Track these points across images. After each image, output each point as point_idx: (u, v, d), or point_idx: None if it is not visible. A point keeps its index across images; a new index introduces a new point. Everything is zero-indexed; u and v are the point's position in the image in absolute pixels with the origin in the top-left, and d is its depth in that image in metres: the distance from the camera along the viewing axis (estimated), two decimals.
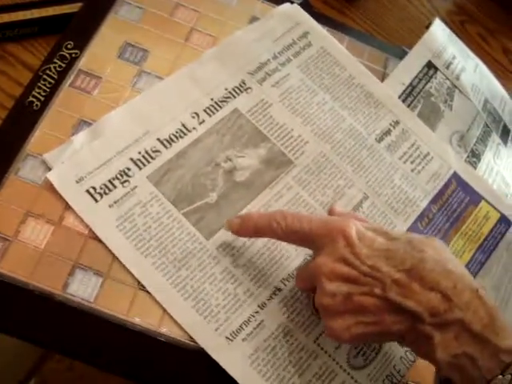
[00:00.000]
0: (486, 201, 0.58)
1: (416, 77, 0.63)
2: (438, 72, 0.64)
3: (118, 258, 0.45)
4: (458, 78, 0.65)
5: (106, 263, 0.45)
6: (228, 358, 0.43)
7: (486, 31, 0.80)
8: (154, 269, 0.45)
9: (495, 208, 0.58)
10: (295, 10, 0.61)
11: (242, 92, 0.54)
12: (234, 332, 0.44)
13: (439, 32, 0.67)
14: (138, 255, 0.45)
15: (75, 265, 0.44)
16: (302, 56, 0.59)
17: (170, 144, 0.50)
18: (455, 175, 0.58)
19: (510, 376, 0.36)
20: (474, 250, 0.55)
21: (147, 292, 0.44)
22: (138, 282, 0.44)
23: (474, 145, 0.61)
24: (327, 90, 0.58)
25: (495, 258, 0.56)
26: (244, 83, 0.55)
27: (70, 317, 0.43)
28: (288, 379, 0.44)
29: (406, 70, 0.63)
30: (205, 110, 0.52)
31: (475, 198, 0.58)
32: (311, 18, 0.61)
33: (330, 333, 0.41)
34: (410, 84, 0.62)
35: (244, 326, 0.45)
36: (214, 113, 0.53)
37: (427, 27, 0.67)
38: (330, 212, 0.51)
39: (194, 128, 0.51)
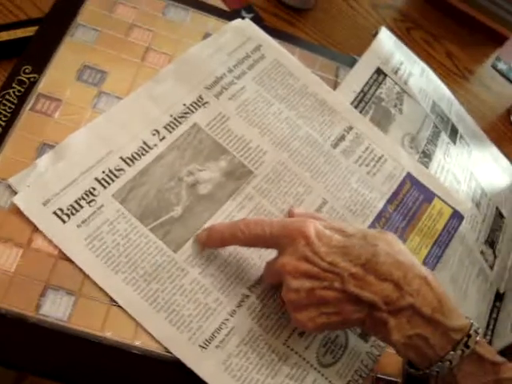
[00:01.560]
0: (439, 198, 0.61)
1: (366, 83, 0.66)
2: (387, 78, 0.67)
3: (89, 276, 0.46)
4: (406, 83, 0.68)
5: (78, 282, 0.46)
6: (203, 365, 0.45)
7: (431, 36, 0.84)
8: (125, 284, 0.46)
9: (448, 204, 0.61)
10: (247, 24, 0.64)
11: (199, 107, 0.56)
12: (206, 340, 0.46)
13: (386, 39, 0.70)
14: (109, 272, 0.46)
15: (47, 286, 0.45)
16: (256, 68, 0.61)
17: (133, 162, 0.51)
18: (409, 175, 0.61)
19: (460, 351, 0.41)
20: (430, 245, 0.58)
21: (120, 307, 0.45)
22: (111, 298, 0.45)
23: (425, 145, 0.65)
24: (282, 100, 0.60)
25: (451, 251, 0.60)
26: (201, 98, 0.57)
27: (45, 337, 0.43)
28: (262, 381, 0.46)
29: (357, 77, 0.66)
30: (165, 127, 0.54)
31: (429, 195, 0.61)
32: (263, 32, 0.64)
33: (296, 324, 0.45)
34: (361, 90, 0.65)
35: (216, 334, 0.46)
36: (173, 129, 0.54)
37: (374, 35, 0.70)
38: (290, 214, 0.53)
39: (155, 145, 0.53)
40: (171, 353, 0.45)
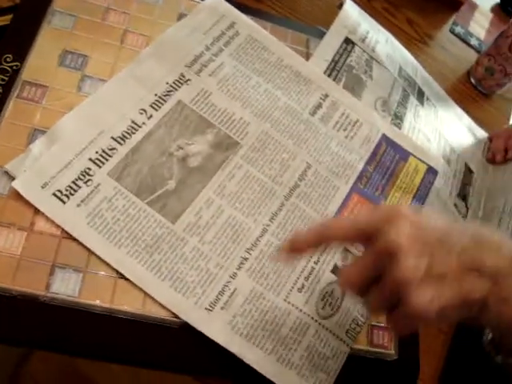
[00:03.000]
0: (414, 156, 0.65)
1: (337, 53, 0.69)
2: (356, 46, 0.70)
3: (93, 253, 0.47)
4: (373, 50, 0.71)
5: (83, 259, 0.47)
6: (211, 327, 0.47)
7: (391, 5, 0.88)
8: (129, 257, 0.48)
9: (422, 161, 0.65)
10: (219, 3, 0.65)
11: (182, 84, 0.58)
12: (212, 303, 0.48)
13: (351, 10, 0.73)
14: (112, 247, 0.48)
15: (54, 265, 0.46)
16: (232, 45, 0.63)
17: (124, 141, 0.53)
18: (384, 137, 0.64)
19: None
20: (410, 200, 0.62)
21: (126, 279, 0.47)
22: (117, 272, 0.47)
23: (396, 108, 0.68)
24: (260, 74, 0.62)
25: (428, 206, 0.63)
26: (183, 76, 0.58)
27: (58, 314, 0.45)
28: (268, 337, 0.49)
29: (327, 47, 0.69)
30: (151, 106, 0.56)
31: (404, 154, 0.64)
32: (235, 9, 0.65)
33: (413, 310, 0.36)
34: (333, 60, 0.68)
35: (220, 296, 0.49)
36: (159, 107, 0.56)
37: (339, 7, 0.73)
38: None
39: (143, 123, 0.54)
40: (180, 318, 0.47)
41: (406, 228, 0.37)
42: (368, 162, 0.62)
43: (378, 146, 0.64)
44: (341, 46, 0.69)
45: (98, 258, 0.47)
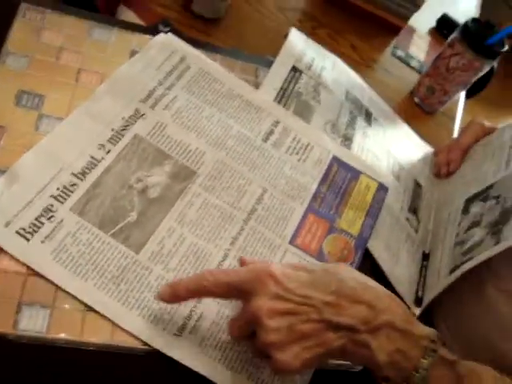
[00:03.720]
0: (364, 174, 0.69)
1: (285, 80, 0.72)
2: (303, 74, 0.74)
3: (60, 288, 0.48)
4: (320, 77, 0.75)
5: (51, 294, 0.48)
6: (180, 351, 0.49)
7: (334, 32, 0.93)
8: (97, 289, 0.49)
9: (372, 178, 0.69)
10: (170, 38, 0.68)
11: (138, 119, 0.60)
12: (180, 328, 0.50)
13: (297, 39, 0.78)
14: (79, 280, 0.49)
15: (20, 303, 0.47)
16: (184, 78, 0.65)
17: (84, 176, 0.54)
18: (335, 158, 0.68)
19: (430, 358, 0.43)
20: (363, 217, 0.65)
21: (95, 312, 0.48)
22: (85, 305, 0.48)
23: (345, 130, 0.72)
24: (212, 105, 0.65)
25: (381, 221, 0.67)
26: (138, 111, 0.60)
27: (26, 351, 0.45)
28: (237, 357, 0.51)
29: (276, 76, 0.72)
30: (109, 141, 0.57)
31: (355, 173, 0.68)
32: (185, 44, 0.68)
33: (281, 366, 0.43)
34: (282, 87, 0.71)
35: (187, 321, 0.51)
36: (117, 142, 0.58)
37: (285, 36, 0.77)
38: (242, 263, 0.55)
39: (102, 158, 0.56)
40: (149, 345, 0.48)
41: (273, 291, 0.44)
42: (321, 183, 0.65)
43: (330, 167, 0.67)
44: (289, 74, 0.73)
45: (66, 292, 0.48)
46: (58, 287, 0.48)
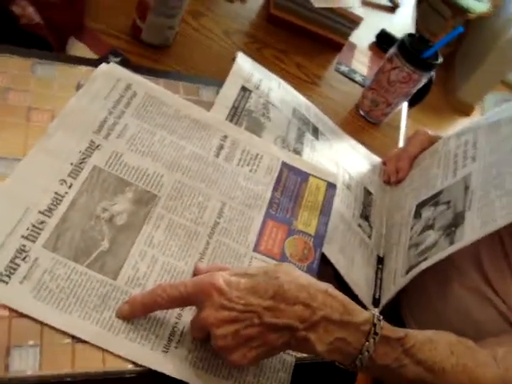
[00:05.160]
0: (313, 176, 0.74)
1: (236, 100, 0.77)
2: (252, 93, 0.79)
3: (46, 324, 0.49)
4: (268, 96, 0.81)
5: (37, 332, 0.49)
6: (170, 366, 0.52)
7: (279, 52, 0.97)
8: (82, 320, 0.51)
9: (321, 179, 0.74)
10: (113, 67, 0.70)
11: (94, 150, 0.62)
12: (166, 345, 0.53)
13: (244, 62, 0.83)
14: (63, 314, 0.50)
15: (9, 346, 0.48)
16: (132, 106, 0.68)
17: (51, 213, 0.55)
18: (284, 164, 0.73)
19: (372, 339, 0.50)
20: (318, 216, 0.70)
21: (83, 341, 0.50)
22: (73, 337, 0.50)
23: (294, 145, 0.77)
24: (162, 128, 0.68)
25: (336, 229, 0.71)
26: (93, 142, 0.62)
27: None
28: (221, 363, 0.54)
29: (226, 96, 0.77)
30: (69, 175, 0.59)
31: (304, 176, 0.73)
32: (128, 71, 0.71)
33: (233, 364, 0.50)
34: (233, 106, 0.76)
35: (172, 337, 0.53)
36: (77, 175, 0.59)
37: (233, 60, 0.82)
38: (196, 271, 0.59)
39: (66, 193, 0.57)
40: (140, 366, 0.51)
41: (217, 302, 0.49)
42: (274, 189, 0.70)
43: (280, 173, 0.72)
44: (239, 94, 0.78)
45: (52, 327, 0.50)
46: (43, 324, 0.49)
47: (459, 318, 0.65)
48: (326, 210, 0.71)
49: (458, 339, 0.55)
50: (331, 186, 0.74)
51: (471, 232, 0.61)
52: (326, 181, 0.74)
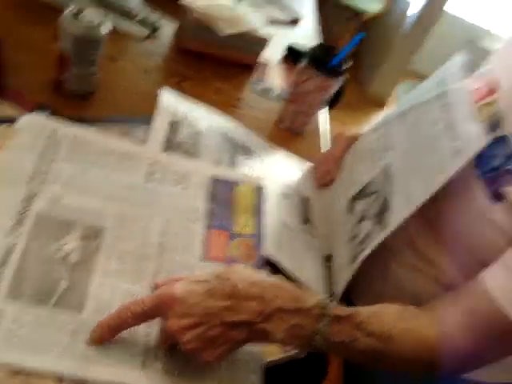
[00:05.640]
0: (241, 182, 0.80)
1: (167, 133, 0.82)
2: (181, 126, 0.85)
3: (26, 370, 0.52)
4: (196, 126, 0.86)
5: (22, 380, 0.51)
6: (148, 379, 0.56)
7: (199, 81, 1.01)
8: (59, 358, 0.54)
9: (249, 183, 0.80)
10: (36, 118, 0.73)
11: (33, 199, 0.64)
12: (142, 361, 0.57)
13: (168, 97, 0.88)
14: (42, 356, 0.53)
15: None
16: (61, 150, 0.71)
17: (6, 264, 0.58)
18: (212, 177, 0.78)
19: (325, 321, 0.55)
20: (252, 217, 0.76)
21: (67, 377, 0.53)
22: (55, 376, 0.53)
23: (230, 166, 0.84)
24: (94, 165, 0.71)
25: (280, 236, 0.77)
26: (31, 191, 0.65)
27: None
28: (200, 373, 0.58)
29: (157, 132, 0.82)
30: (15, 226, 0.61)
31: (232, 184, 0.79)
32: (52, 120, 0.74)
33: (202, 363, 0.55)
34: (166, 139, 0.81)
35: (145, 353, 0.57)
36: (23, 224, 0.62)
37: (158, 95, 0.86)
38: (156, 286, 0.61)
39: (16, 243, 0.60)
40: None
41: (178, 310, 0.53)
42: (209, 201, 0.75)
43: (211, 185, 0.77)
44: (169, 127, 0.83)
45: (33, 371, 0.52)
46: (25, 371, 0.52)
47: (399, 295, 0.71)
48: (259, 210, 0.77)
49: (401, 307, 0.61)
50: (259, 188, 0.80)
51: (398, 215, 0.67)
52: (253, 184, 0.80)
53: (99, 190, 0.69)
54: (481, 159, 0.63)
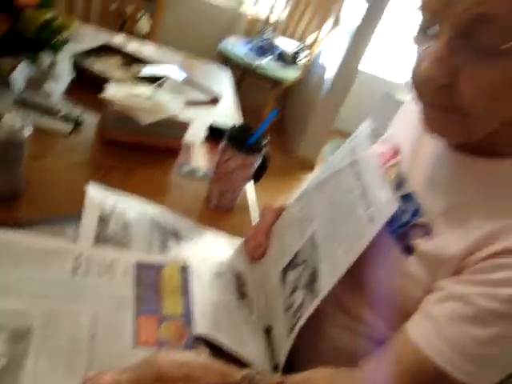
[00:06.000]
0: (166, 264, 0.81)
1: (97, 227, 0.83)
2: (110, 218, 0.86)
3: None
4: (124, 217, 0.88)
5: None
6: None
7: (125, 171, 1.04)
8: None
9: (173, 264, 0.82)
10: None
11: None
12: None
13: (95, 192, 0.90)
14: None
15: None
16: None
17: None
18: (137, 263, 0.80)
19: None
20: (181, 297, 0.77)
21: None
22: None
23: (161, 251, 0.86)
24: (17, 266, 0.71)
25: (216, 315, 0.77)
26: None
27: None
28: None
29: (88, 226, 0.83)
30: None
31: (158, 268, 0.80)
32: None
33: None
34: (96, 234, 0.82)
35: None
36: None
37: (86, 191, 0.88)
38: (85, 381, 0.61)
39: None
40: None
41: None
42: (137, 286, 0.76)
43: (137, 271, 0.78)
44: (98, 222, 0.85)
45: None
46: None
47: (336, 356, 0.74)
48: (185, 290, 0.78)
49: (333, 370, 0.64)
50: (184, 268, 0.82)
51: (326, 282, 0.71)
52: (178, 265, 0.82)
53: (23, 290, 0.69)
54: (391, 217, 0.67)
